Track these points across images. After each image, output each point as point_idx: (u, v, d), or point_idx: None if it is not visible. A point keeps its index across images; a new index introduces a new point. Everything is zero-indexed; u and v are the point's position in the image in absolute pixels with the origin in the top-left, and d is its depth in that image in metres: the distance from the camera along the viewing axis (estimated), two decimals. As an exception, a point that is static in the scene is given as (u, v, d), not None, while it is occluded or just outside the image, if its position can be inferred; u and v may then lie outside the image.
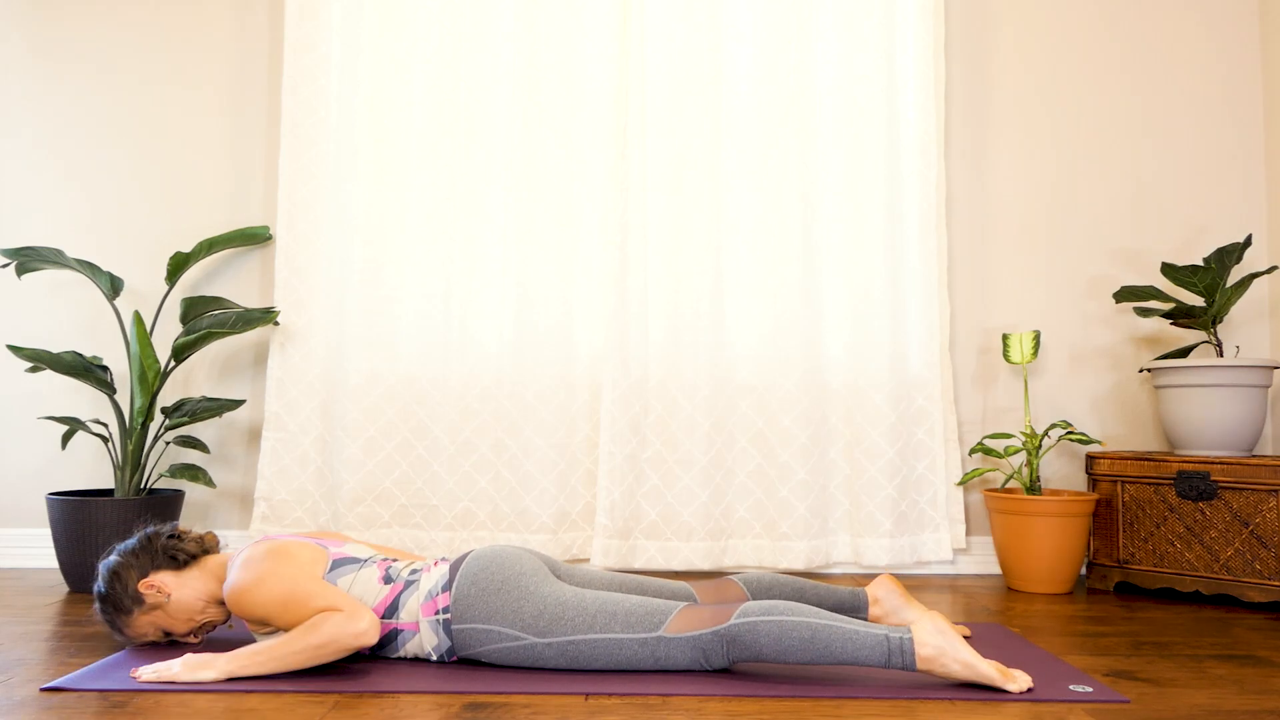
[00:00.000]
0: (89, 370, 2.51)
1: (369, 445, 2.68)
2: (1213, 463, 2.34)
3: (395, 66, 2.76)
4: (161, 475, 2.53)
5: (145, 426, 2.52)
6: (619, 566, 2.63)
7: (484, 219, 2.74)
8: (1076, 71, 2.85)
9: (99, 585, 1.80)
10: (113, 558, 1.81)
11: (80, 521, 2.38)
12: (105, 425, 2.50)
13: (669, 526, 2.66)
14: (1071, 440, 2.48)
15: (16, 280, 2.83)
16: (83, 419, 2.70)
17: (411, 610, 1.72)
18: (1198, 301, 2.75)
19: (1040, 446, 2.54)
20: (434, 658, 1.72)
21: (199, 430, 2.82)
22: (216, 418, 2.79)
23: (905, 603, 1.89)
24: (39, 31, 2.88)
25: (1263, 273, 2.51)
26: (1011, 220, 2.84)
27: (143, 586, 1.77)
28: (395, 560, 1.82)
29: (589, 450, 2.71)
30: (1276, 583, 2.24)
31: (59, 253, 2.56)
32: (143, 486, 2.57)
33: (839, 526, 2.69)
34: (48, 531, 2.78)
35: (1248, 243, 2.47)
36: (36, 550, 2.77)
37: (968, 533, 2.77)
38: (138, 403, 2.51)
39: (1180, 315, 2.54)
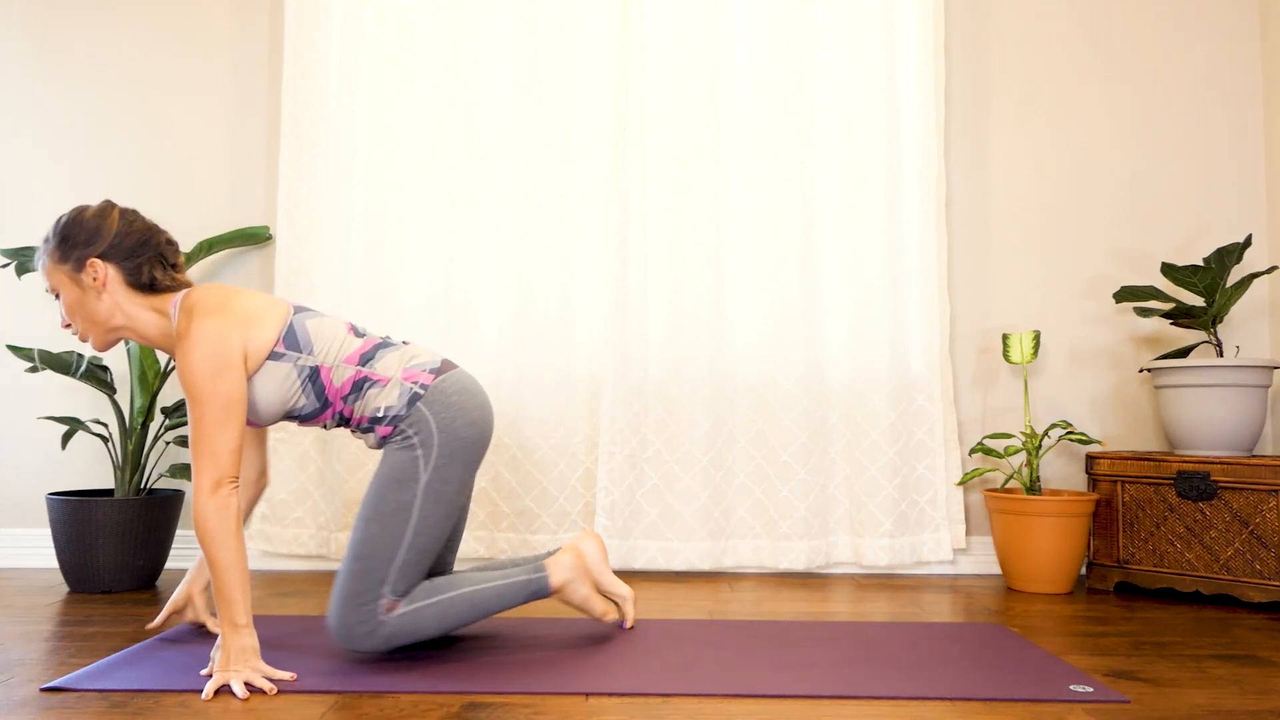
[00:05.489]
0: (89, 370, 2.51)
1: (369, 445, 2.68)
2: (1213, 463, 2.34)
3: (395, 66, 2.76)
4: (161, 475, 2.53)
5: (145, 426, 2.52)
6: (619, 567, 2.63)
7: (484, 219, 2.74)
8: (1076, 71, 2.85)
9: (80, 212, 1.64)
10: (114, 212, 1.65)
11: (80, 521, 2.38)
12: (105, 425, 2.50)
13: (669, 527, 2.66)
14: (1071, 440, 2.48)
15: (16, 280, 2.83)
16: (83, 419, 2.70)
17: (390, 366, 1.70)
18: (1198, 301, 2.75)
19: (1040, 446, 2.54)
20: (382, 414, 1.67)
21: (199, 430, 2.82)
22: (216, 418, 2.79)
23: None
24: (40, 32, 2.88)
25: (1263, 273, 2.51)
26: (1011, 220, 2.84)
27: (90, 263, 1.62)
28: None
29: (589, 450, 2.71)
30: (1276, 583, 2.24)
31: (59, 253, 2.56)
32: (143, 486, 2.57)
33: (839, 526, 2.69)
34: (48, 531, 2.78)
35: (1248, 243, 2.47)
36: (36, 550, 2.77)
37: (968, 533, 2.77)
38: (138, 403, 2.51)
39: (1180, 315, 2.54)
